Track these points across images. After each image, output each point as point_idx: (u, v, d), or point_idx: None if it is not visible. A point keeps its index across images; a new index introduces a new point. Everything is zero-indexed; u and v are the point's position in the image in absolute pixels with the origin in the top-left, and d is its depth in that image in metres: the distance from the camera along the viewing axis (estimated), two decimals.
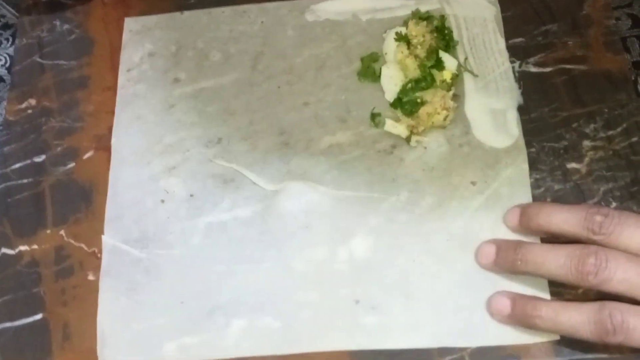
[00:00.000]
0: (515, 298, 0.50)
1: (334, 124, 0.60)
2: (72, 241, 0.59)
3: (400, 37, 0.59)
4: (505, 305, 0.50)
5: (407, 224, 0.55)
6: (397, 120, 0.58)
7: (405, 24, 0.61)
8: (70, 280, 0.57)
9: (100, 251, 0.58)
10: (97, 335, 0.55)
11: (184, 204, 0.59)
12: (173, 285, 0.56)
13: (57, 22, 0.69)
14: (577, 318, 0.46)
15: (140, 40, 0.67)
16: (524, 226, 0.52)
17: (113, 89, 0.65)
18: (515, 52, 0.61)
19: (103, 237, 0.58)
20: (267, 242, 0.56)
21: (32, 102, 0.65)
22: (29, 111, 0.65)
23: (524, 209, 0.52)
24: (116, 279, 0.57)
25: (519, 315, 0.49)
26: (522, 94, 0.59)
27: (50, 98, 0.65)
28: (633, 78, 0.59)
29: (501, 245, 0.52)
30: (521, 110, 0.58)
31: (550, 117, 0.58)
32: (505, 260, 0.51)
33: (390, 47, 0.61)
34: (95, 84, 0.65)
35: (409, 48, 0.58)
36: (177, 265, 0.56)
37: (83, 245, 0.58)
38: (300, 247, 0.56)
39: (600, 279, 0.45)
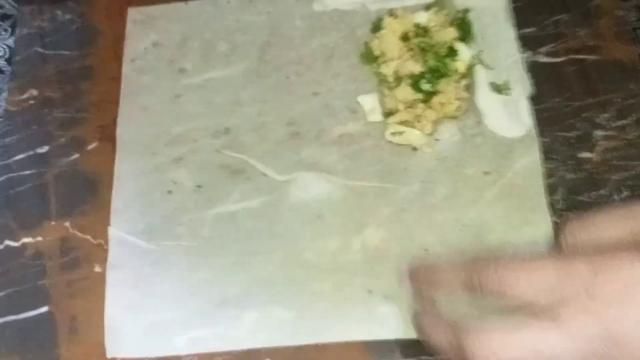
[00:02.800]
0: (411, 269, 0.48)
1: (344, 113, 0.59)
2: (77, 233, 0.58)
3: (418, 26, 0.59)
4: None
5: (420, 214, 0.55)
6: (402, 122, 0.58)
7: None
8: (76, 273, 0.56)
9: (106, 243, 0.57)
10: (104, 329, 0.54)
11: (192, 195, 0.58)
12: (182, 277, 0.55)
13: (59, 12, 0.68)
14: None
15: (144, 31, 0.66)
16: (416, 288, 0.48)
17: (117, 79, 0.64)
18: (526, 42, 0.60)
19: (109, 228, 0.57)
20: (279, 232, 0.56)
21: (34, 92, 0.64)
22: (31, 102, 0.64)
23: (411, 271, 0.48)
24: (124, 271, 0.56)
25: (414, 283, 0.47)
26: (534, 84, 0.59)
27: (53, 88, 0.64)
28: None
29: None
30: (533, 100, 0.58)
31: (562, 106, 0.58)
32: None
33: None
34: (99, 74, 0.64)
35: (424, 36, 0.58)
36: (186, 256, 0.56)
37: (89, 237, 0.57)
38: (313, 237, 0.55)
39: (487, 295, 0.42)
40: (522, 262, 0.41)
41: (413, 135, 0.57)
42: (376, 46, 0.60)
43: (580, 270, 0.39)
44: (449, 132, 0.57)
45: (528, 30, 0.61)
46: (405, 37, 0.59)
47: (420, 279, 0.47)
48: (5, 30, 0.70)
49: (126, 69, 0.64)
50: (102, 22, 0.67)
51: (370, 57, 0.60)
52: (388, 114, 0.58)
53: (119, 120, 0.62)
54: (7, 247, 0.58)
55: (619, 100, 0.57)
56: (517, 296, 0.40)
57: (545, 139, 0.57)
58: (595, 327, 0.38)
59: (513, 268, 0.41)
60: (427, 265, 0.47)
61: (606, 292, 0.38)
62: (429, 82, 0.57)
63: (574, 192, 0.55)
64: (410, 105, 0.57)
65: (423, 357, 0.51)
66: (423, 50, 0.58)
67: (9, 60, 0.67)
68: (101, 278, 0.56)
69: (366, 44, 0.61)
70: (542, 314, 0.39)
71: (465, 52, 0.58)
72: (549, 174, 0.55)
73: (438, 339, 0.44)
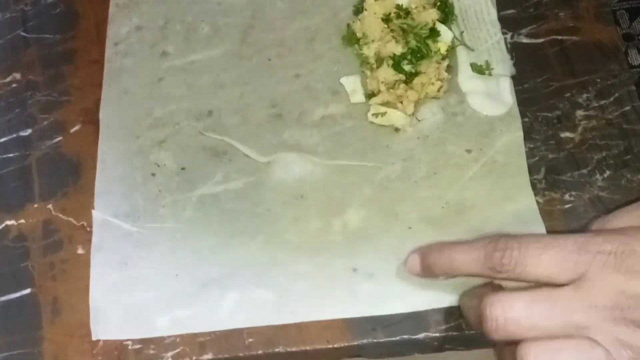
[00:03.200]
0: (423, 253, 0.48)
1: (326, 95, 0.60)
2: (60, 215, 0.58)
3: (400, 8, 0.59)
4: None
5: (402, 192, 0.55)
6: (384, 102, 0.58)
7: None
8: (59, 255, 0.56)
9: (89, 225, 0.57)
10: (89, 310, 0.54)
11: (175, 177, 0.58)
12: (165, 259, 0.55)
13: None
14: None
15: (127, 14, 0.66)
16: (428, 274, 0.49)
17: (100, 62, 0.64)
18: (507, 24, 0.61)
19: (93, 211, 0.57)
20: (261, 213, 0.56)
21: (17, 76, 0.64)
22: (14, 85, 0.64)
23: (423, 256, 0.48)
24: (107, 253, 0.56)
25: (426, 269, 0.48)
26: (515, 64, 0.59)
27: (36, 72, 0.64)
28: (624, 49, 0.59)
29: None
30: (514, 80, 0.58)
31: (543, 87, 0.58)
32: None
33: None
34: (82, 57, 0.64)
35: (405, 18, 0.58)
36: (170, 238, 0.56)
37: (72, 219, 0.57)
38: (294, 218, 0.55)
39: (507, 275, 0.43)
40: (544, 239, 0.43)
41: (395, 116, 0.57)
42: (358, 28, 0.60)
43: (601, 244, 0.41)
44: (430, 112, 0.57)
45: (509, 11, 0.61)
46: (387, 19, 0.59)
47: (433, 265, 0.48)
48: None
49: (109, 52, 0.64)
50: (84, 5, 0.67)
51: (352, 39, 0.60)
52: (370, 95, 0.58)
53: (102, 103, 0.62)
54: None
55: (599, 80, 0.57)
56: (540, 274, 0.42)
57: (527, 119, 0.57)
58: (615, 290, 0.40)
59: (535, 246, 0.42)
60: (439, 249, 0.47)
61: (628, 261, 0.40)
62: (410, 63, 0.57)
63: (556, 172, 0.55)
64: (392, 86, 0.57)
65: (405, 337, 0.51)
66: (404, 31, 0.58)
67: None
68: (84, 260, 0.55)
69: (348, 25, 0.61)
70: (563, 285, 0.41)
71: (446, 33, 0.58)
72: (530, 154, 0.56)
73: (466, 309, 0.47)
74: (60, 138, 0.61)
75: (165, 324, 0.53)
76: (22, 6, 0.67)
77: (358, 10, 0.61)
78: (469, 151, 0.56)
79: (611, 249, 0.41)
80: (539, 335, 0.41)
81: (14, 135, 0.61)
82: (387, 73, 0.57)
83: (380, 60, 0.58)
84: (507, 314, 0.41)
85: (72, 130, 0.61)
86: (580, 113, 0.57)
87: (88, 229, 0.57)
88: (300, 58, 0.61)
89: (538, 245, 0.42)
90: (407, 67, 0.57)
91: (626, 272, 0.40)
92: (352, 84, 0.59)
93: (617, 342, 0.39)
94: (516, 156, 0.55)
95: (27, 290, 0.55)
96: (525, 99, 0.57)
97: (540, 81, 0.58)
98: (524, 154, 0.55)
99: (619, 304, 0.40)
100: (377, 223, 0.54)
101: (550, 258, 0.41)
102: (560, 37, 0.60)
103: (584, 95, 0.57)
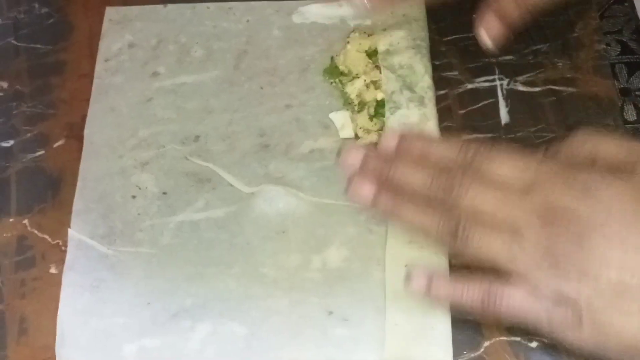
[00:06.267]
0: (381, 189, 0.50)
1: (315, 128, 0.59)
2: (36, 231, 0.56)
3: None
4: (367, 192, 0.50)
5: (385, 236, 0.54)
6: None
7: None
8: (31, 272, 0.55)
9: (64, 244, 0.55)
10: (56, 332, 0.52)
11: (155, 201, 0.57)
12: (138, 285, 0.54)
13: (36, 5, 0.67)
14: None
15: (120, 31, 0.65)
16: (402, 150, 0.50)
17: (89, 77, 0.63)
18: (504, 70, 0.60)
19: (69, 230, 0.56)
20: (240, 245, 0.54)
21: (4, 84, 0.63)
22: (0, 94, 0.62)
23: (402, 135, 0.51)
24: (80, 274, 0.54)
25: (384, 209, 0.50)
26: (509, 112, 0.58)
27: (23, 82, 0.63)
28: (620, 104, 0.59)
29: (370, 154, 0.50)
30: (507, 128, 0.58)
31: (536, 137, 0.57)
32: (374, 167, 0.50)
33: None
34: (71, 70, 0.63)
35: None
36: (145, 264, 0.54)
37: (47, 237, 0.56)
38: (273, 252, 0.54)
39: (452, 195, 0.46)
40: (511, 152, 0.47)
41: None
42: (341, 62, 0.59)
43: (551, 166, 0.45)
44: None
45: (507, 57, 0.61)
46: (372, 53, 0.58)
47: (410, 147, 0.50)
48: None
49: (99, 68, 0.63)
50: (79, 18, 0.66)
51: (334, 72, 0.60)
52: (357, 134, 0.57)
53: (88, 119, 0.61)
54: None
55: None
56: (502, 172, 0.46)
57: None
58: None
59: (502, 153, 0.47)
60: (421, 137, 0.51)
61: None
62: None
63: None
64: (369, 133, 0.57)
65: None
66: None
67: None
68: (56, 279, 0.54)
69: (332, 58, 0.61)
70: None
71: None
72: None
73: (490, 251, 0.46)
74: (42, 152, 0.60)
75: (132, 352, 0.51)
76: (15, 14, 0.66)
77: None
78: None
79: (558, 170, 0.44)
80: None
81: None
82: (365, 121, 0.56)
83: (362, 104, 0.57)
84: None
85: (56, 145, 0.60)
86: None
87: (63, 247, 0.55)
88: (292, 88, 0.61)
89: (505, 152, 0.47)
90: (387, 114, 0.56)
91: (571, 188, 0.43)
92: (341, 119, 0.58)
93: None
94: None
95: None
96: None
97: (534, 131, 0.57)
98: None
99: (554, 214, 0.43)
100: (357, 265, 0.53)
101: (513, 164, 0.46)
102: (556, 88, 0.59)
103: None
